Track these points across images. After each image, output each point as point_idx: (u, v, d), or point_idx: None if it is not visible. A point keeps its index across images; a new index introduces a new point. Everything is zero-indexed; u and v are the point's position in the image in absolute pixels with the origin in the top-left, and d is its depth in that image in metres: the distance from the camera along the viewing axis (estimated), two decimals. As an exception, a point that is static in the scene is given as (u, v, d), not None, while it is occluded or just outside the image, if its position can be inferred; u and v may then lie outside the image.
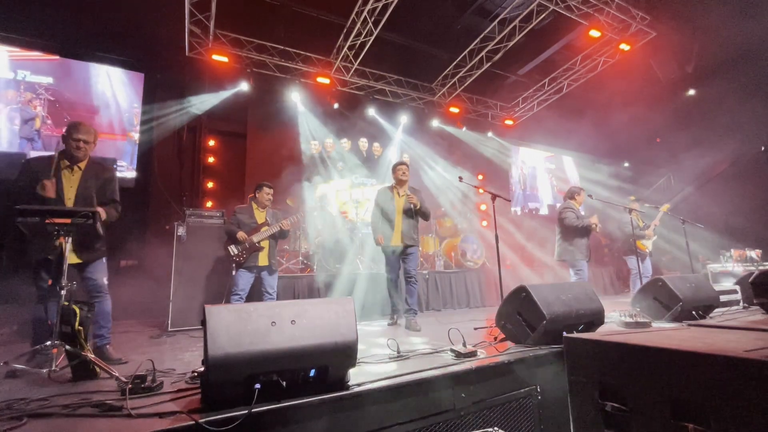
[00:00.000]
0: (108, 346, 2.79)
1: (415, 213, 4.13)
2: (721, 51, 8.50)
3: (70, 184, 2.70)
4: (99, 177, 2.81)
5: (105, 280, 2.83)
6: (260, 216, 4.17)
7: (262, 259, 4.03)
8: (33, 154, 5.54)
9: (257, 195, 4.21)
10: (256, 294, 4.29)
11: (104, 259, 2.87)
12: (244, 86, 7.05)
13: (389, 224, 4.09)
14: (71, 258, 2.63)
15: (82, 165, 2.76)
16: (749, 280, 4.07)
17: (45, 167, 2.59)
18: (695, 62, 8.72)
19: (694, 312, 3.33)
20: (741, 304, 4.15)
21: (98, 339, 2.76)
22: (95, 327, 2.78)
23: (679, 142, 10.56)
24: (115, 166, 6.09)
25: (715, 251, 8.40)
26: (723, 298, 3.89)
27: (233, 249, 3.97)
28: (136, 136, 6.37)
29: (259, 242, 4.02)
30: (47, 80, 5.88)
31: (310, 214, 5.61)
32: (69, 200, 2.67)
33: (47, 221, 2.25)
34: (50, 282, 2.54)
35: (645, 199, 8.20)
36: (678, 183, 11.27)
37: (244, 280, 3.96)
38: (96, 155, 2.95)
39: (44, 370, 2.19)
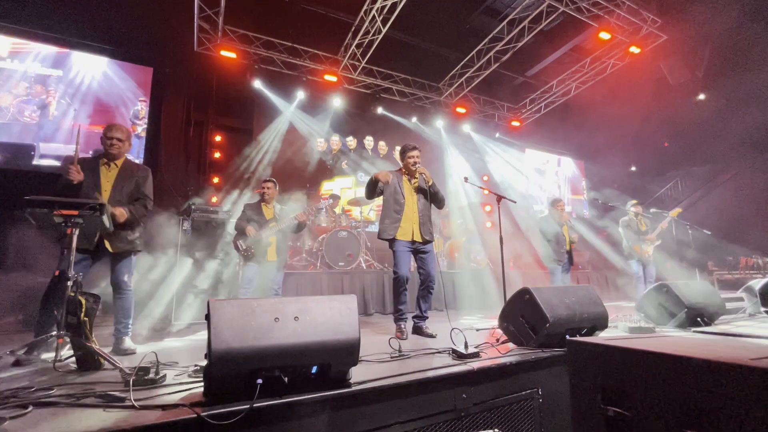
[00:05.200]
0: (126, 338, 2.85)
1: (429, 196, 3.52)
2: (733, 56, 8.40)
3: (107, 179, 2.88)
4: (134, 175, 2.98)
5: (127, 278, 2.89)
6: (268, 212, 4.24)
7: (270, 255, 4.10)
8: (44, 145, 5.60)
9: (261, 192, 4.31)
10: (260, 289, 4.29)
11: (133, 256, 2.95)
12: (252, 82, 7.08)
13: (395, 216, 3.43)
14: (106, 248, 2.78)
15: (119, 163, 2.95)
16: (756, 288, 4.03)
17: (88, 164, 2.83)
18: (706, 67, 8.62)
19: (699, 319, 3.30)
20: (747, 311, 4.10)
21: (116, 331, 2.86)
22: (114, 320, 2.88)
23: (688, 146, 10.47)
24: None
25: (721, 258, 8.32)
26: (729, 305, 3.85)
27: (242, 244, 4.04)
28: (140, 129, 6.42)
29: (267, 237, 4.07)
30: (57, 73, 5.93)
31: (315, 208, 5.62)
32: (105, 192, 2.84)
33: (55, 212, 2.28)
34: (57, 272, 2.56)
35: (653, 203, 8.12)
36: (686, 188, 11.17)
37: (251, 273, 4.02)
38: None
39: (49, 360, 2.22)
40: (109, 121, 6.12)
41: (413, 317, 3.49)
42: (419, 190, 3.56)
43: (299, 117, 7.76)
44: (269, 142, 7.46)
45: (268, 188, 4.26)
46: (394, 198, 3.48)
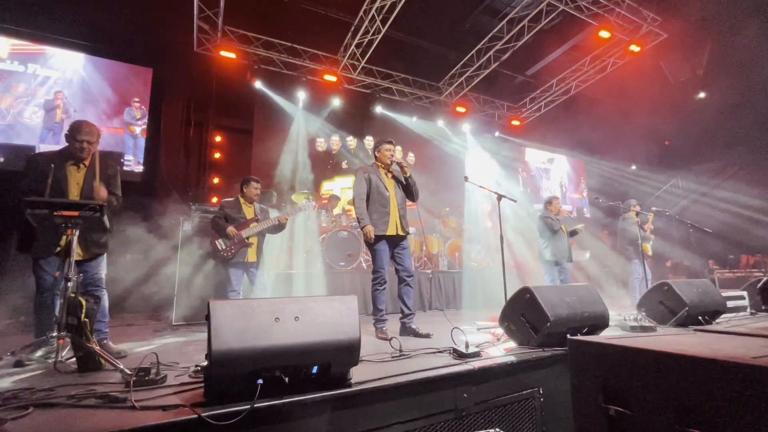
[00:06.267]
0: (106, 341, 2.76)
1: (405, 188, 3.59)
2: (733, 54, 8.38)
3: (76, 181, 2.74)
4: (103, 172, 2.83)
5: (103, 275, 2.81)
6: (249, 211, 4.10)
7: (251, 255, 3.97)
8: (44, 146, 5.60)
9: (244, 189, 4.12)
10: (245, 291, 4.19)
11: (104, 255, 2.86)
12: (251, 82, 7.08)
13: (382, 210, 3.42)
14: (78, 253, 2.63)
15: (87, 162, 2.80)
16: (757, 286, 4.03)
17: (49, 162, 2.58)
18: (706, 65, 8.61)
19: (700, 317, 3.30)
20: (748, 310, 4.10)
21: (96, 333, 2.67)
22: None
23: (689, 145, 10.46)
24: (122, 161, 6.15)
25: (722, 257, 8.31)
26: (730, 303, 3.84)
27: (221, 243, 3.87)
28: (138, 129, 6.41)
29: (248, 238, 3.94)
30: (56, 74, 5.93)
31: (312, 210, 5.60)
32: (73, 197, 2.70)
33: (55, 213, 2.28)
34: (57, 273, 2.56)
35: (654, 201, 8.12)
36: (686, 186, 11.16)
37: (237, 276, 3.93)
38: (101, 149, 2.97)
39: (50, 361, 2.22)
40: (106, 122, 6.13)
41: (402, 318, 3.42)
42: (396, 183, 3.61)
43: (299, 117, 7.76)
44: (269, 142, 7.46)
45: (257, 189, 4.13)
46: (378, 191, 3.48)
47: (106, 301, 2.83)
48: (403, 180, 3.58)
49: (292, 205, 6.01)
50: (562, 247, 5.22)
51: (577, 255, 8.06)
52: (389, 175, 3.60)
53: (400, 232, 3.46)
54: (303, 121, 7.80)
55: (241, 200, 4.13)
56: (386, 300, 3.47)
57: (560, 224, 5.25)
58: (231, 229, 3.87)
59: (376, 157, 3.65)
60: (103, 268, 2.84)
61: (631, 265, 5.86)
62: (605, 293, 7.58)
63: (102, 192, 2.67)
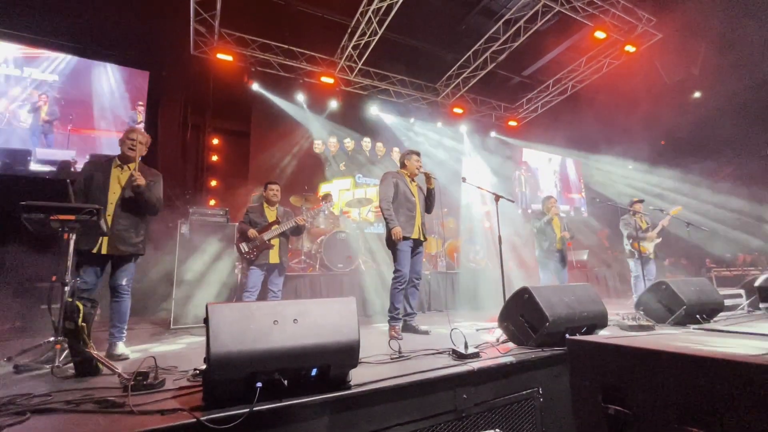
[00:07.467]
0: (120, 343, 2.82)
1: (426, 198, 3.79)
2: (728, 53, 8.42)
3: (119, 182, 2.90)
4: (146, 178, 2.97)
5: (126, 282, 2.88)
6: (271, 214, 4.26)
7: (273, 257, 4.10)
8: (41, 150, 5.58)
9: (265, 193, 4.30)
10: (261, 292, 4.29)
11: (134, 261, 2.94)
12: (248, 85, 7.07)
13: (409, 214, 3.60)
14: (110, 249, 2.77)
15: (132, 166, 2.96)
16: (755, 285, 4.05)
17: (99, 165, 2.92)
18: (701, 65, 8.65)
19: (698, 316, 3.31)
20: (746, 308, 4.11)
21: (110, 336, 2.81)
22: (109, 324, 2.85)
23: (685, 144, 10.51)
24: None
25: (719, 255, 8.34)
26: (727, 302, 3.86)
27: (244, 246, 4.04)
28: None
29: (269, 240, 4.09)
30: (53, 78, 5.92)
31: (313, 212, 5.63)
32: (114, 194, 2.86)
33: (51, 218, 2.27)
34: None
35: (651, 201, 8.14)
36: (683, 186, 11.20)
37: (255, 277, 4.04)
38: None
39: (47, 366, 2.21)
40: (104, 126, 6.13)
41: (404, 316, 3.62)
42: (419, 191, 3.80)
43: (296, 119, 7.75)
44: (266, 144, 7.44)
45: (274, 191, 4.29)
46: (405, 196, 3.65)
47: (126, 306, 2.90)
48: (425, 190, 3.78)
49: (306, 208, 6.08)
50: (551, 247, 5.27)
51: (576, 254, 8.09)
52: (414, 183, 3.80)
53: (421, 237, 3.65)
54: (300, 123, 7.79)
55: (264, 204, 4.29)
56: (403, 300, 3.58)
57: (551, 224, 5.29)
58: (251, 232, 4.04)
59: (404, 165, 3.84)
60: (130, 272, 2.91)
61: (630, 263, 5.88)
62: (603, 292, 7.60)
63: (140, 178, 2.81)
